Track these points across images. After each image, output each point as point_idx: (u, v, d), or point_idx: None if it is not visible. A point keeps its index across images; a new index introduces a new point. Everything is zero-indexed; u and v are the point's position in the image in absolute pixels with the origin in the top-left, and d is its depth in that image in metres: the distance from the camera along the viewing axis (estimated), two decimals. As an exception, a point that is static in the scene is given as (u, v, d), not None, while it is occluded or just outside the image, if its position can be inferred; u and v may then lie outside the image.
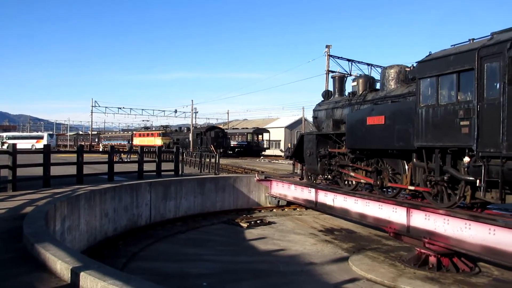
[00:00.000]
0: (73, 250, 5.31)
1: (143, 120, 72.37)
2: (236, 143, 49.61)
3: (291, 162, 20.69)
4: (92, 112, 59.88)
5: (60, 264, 4.48)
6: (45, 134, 58.70)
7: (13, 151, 10.99)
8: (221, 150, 41.41)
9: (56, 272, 4.53)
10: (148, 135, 61.78)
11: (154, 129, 67.82)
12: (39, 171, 12.23)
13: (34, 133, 69.08)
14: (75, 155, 13.73)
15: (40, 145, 47.79)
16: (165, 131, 59.80)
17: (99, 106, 60.30)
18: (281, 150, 47.04)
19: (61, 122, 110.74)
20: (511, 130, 7.34)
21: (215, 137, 43.14)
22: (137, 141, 61.14)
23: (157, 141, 54.29)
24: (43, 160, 12.00)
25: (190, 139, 47.76)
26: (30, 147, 46.43)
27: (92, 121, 65.43)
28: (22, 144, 40.77)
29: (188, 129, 53.27)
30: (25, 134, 70.71)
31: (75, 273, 4.20)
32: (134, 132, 71.35)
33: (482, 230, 8.12)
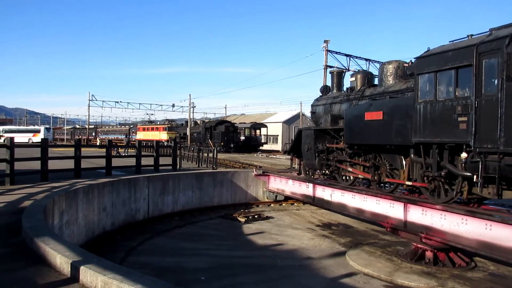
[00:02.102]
0: (72, 244, 5.31)
1: (146, 114, 71.21)
2: None
3: (289, 157, 20.71)
4: (89, 106, 59.81)
5: (60, 258, 4.49)
6: (42, 128, 58.51)
7: (11, 145, 10.97)
8: (232, 146, 41.06)
9: (56, 266, 4.54)
10: (152, 129, 59.87)
11: (158, 123, 65.82)
12: (36, 165, 12.21)
13: (31, 127, 68.87)
14: (72, 149, 13.69)
15: (37, 138, 47.71)
16: (170, 125, 58.01)
17: (96, 100, 60.08)
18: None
19: (58, 116, 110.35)
20: (509, 126, 7.37)
21: (225, 132, 41.82)
22: (141, 135, 59.73)
23: (163, 136, 52.96)
24: (40, 154, 11.97)
25: (188, 133, 47.56)
26: (27, 141, 46.33)
27: (89, 115, 65.51)
28: (19, 138, 40.53)
29: (196, 123, 52.47)
30: (22, 127, 70.42)
31: (75, 267, 4.21)
32: (138, 125, 69.81)
33: (478, 225, 8.18)
